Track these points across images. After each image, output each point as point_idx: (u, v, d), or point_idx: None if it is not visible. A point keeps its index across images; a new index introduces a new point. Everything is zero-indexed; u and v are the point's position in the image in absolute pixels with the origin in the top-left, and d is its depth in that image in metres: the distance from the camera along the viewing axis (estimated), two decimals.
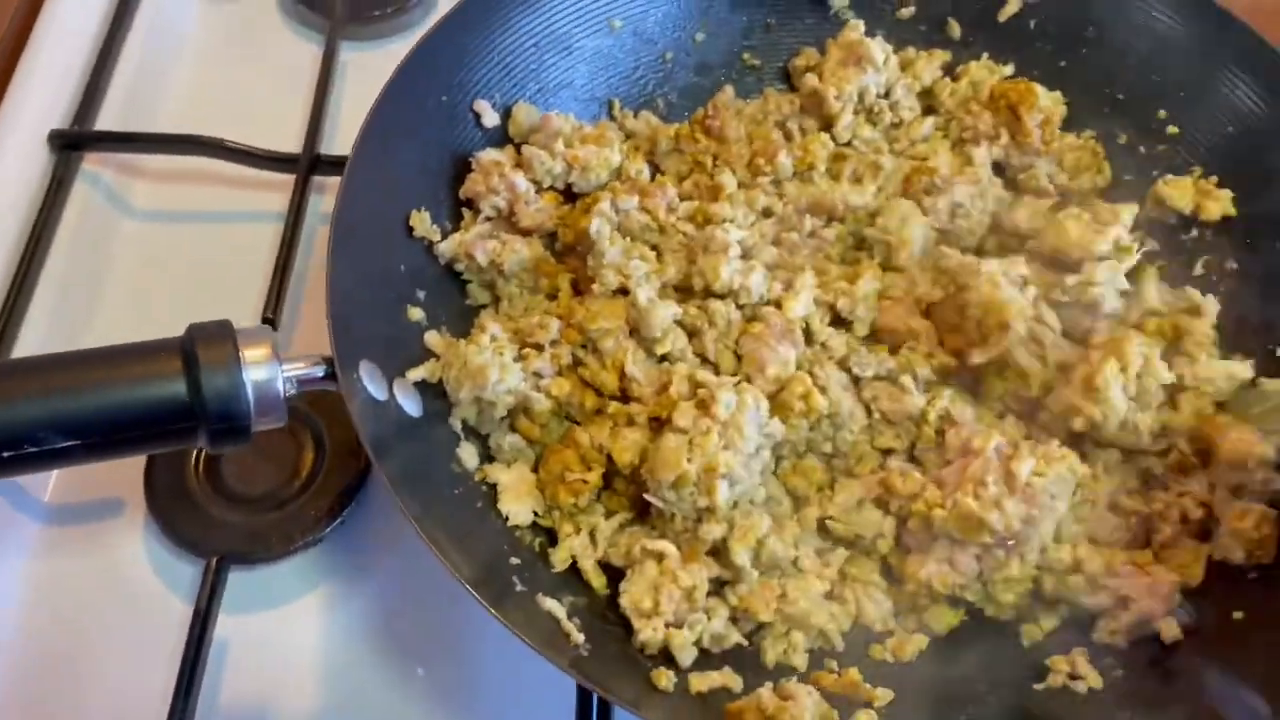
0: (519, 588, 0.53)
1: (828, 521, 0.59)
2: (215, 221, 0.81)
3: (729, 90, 0.73)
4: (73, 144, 0.79)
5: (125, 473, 0.66)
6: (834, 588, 0.57)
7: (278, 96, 0.87)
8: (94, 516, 0.67)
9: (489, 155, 0.66)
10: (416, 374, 0.56)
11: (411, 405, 0.57)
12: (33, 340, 0.72)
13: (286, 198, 0.79)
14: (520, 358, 0.59)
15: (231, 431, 0.48)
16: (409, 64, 0.62)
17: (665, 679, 0.52)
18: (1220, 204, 0.65)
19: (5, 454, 0.44)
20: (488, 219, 0.65)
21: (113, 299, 0.76)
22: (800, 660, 0.56)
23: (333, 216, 0.56)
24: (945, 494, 0.56)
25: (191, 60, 0.89)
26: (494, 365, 0.56)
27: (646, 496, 0.56)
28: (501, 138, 0.69)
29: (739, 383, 0.58)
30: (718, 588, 0.57)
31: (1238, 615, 0.55)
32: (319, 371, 0.51)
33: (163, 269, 0.78)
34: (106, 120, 0.82)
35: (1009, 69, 0.73)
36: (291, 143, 0.81)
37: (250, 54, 0.90)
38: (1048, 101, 0.70)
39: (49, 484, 0.68)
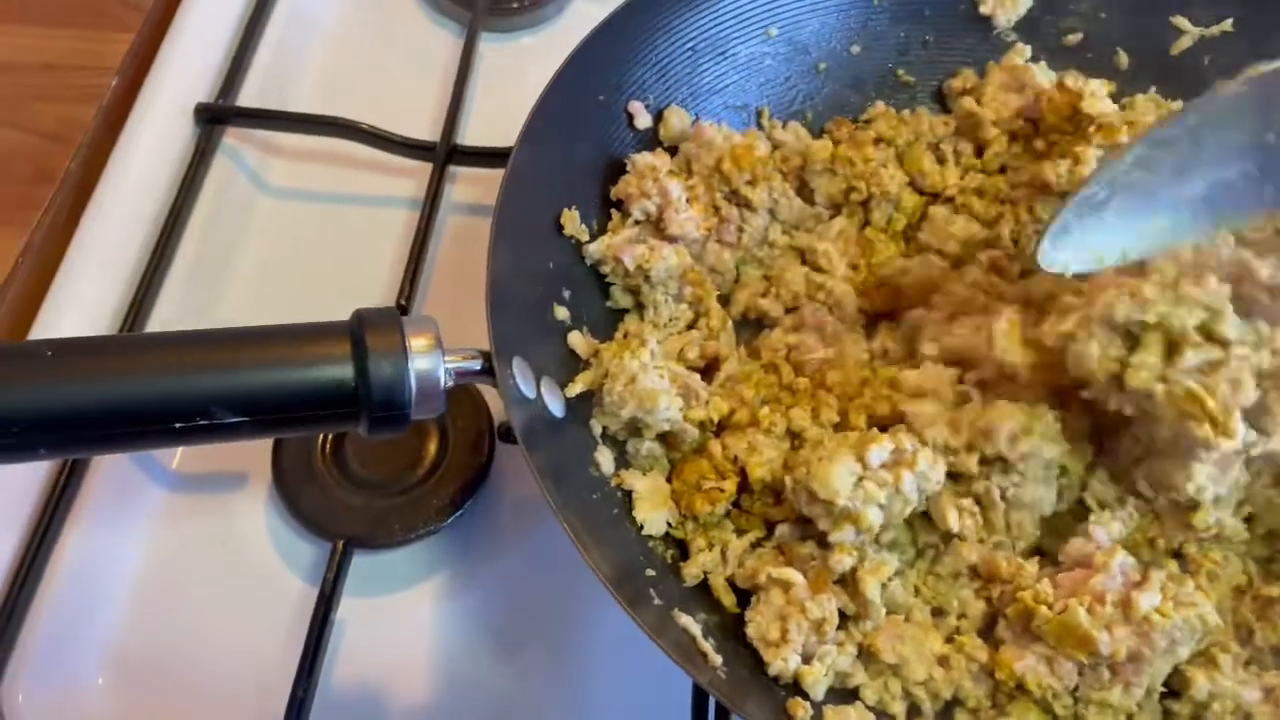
0: (656, 600, 0.52)
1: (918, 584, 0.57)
2: (348, 204, 0.81)
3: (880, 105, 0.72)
4: (217, 118, 0.80)
5: (252, 448, 0.67)
6: (948, 654, 0.55)
7: (413, 84, 0.87)
8: (219, 488, 0.68)
9: (645, 158, 0.65)
10: (576, 388, 0.56)
11: (556, 405, 0.56)
12: (168, 306, 0.73)
13: (417, 184, 0.79)
14: (672, 378, 0.57)
15: (392, 419, 0.47)
16: (572, 62, 0.62)
17: (802, 710, 0.50)
18: None
19: (176, 425, 0.44)
20: (637, 222, 0.64)
21: (245, 273, 0.77)
22: (899, 709, 0.53)
23: (495, 210, 0.55)
24: (1057, 595, 0.53)
25: (330, 44, 0.90)
26: (663, 392, 0.55)
27: (787, 501, 0.55)
28: (653, 140, 0.68)
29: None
30: (842, 622, 0.55)
31: None
32: (476, 365, 0.50)
33: (296, 247, 0.78)
34: (248, 97, 0.83)
35: (1177, 104, 0.70)
36: (426, 130, 0.81)
37: (387, 40, 0.91)
38: None
39: (176, 453, 0.69)
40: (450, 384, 0.49)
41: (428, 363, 0.48)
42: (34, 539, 0.62)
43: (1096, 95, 0.64)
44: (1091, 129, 0.62)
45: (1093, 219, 0.55)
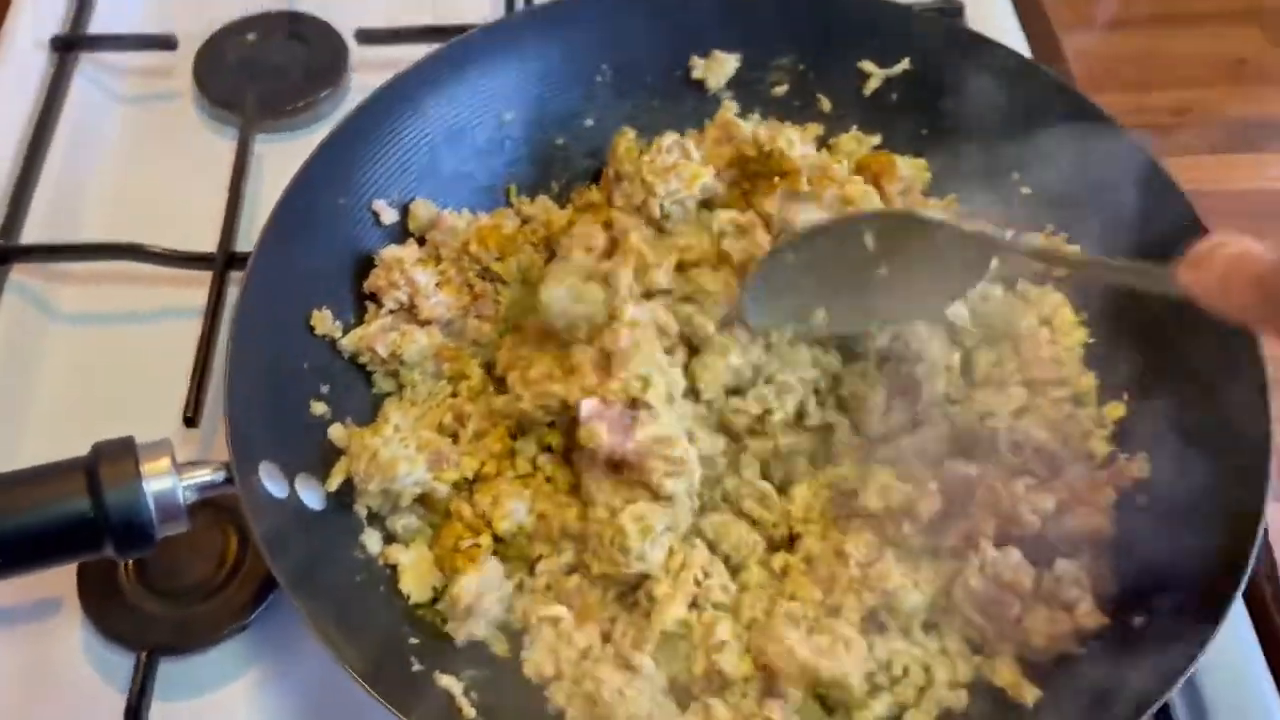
0: (416, 667, 0.56)
1: None
2: (141, 322, 0.84)
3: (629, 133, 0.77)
4: (1, 258, 0.83)
5: (60, 573, 0.69)
6: None
7: (198, 193, 0.90)
8: (33, 617, 0.70)
9: (392, 251, 0.70)
10: (335, 480, 0.60)
11: (313, 499, 0.60)
12: None
13: (203, 294, 0.82)
14: (420, 445, 0.62)
15: (136, 541, 0.51)
16: (306, 170, 0.67)
17: None
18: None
19: None
20: (390, 312, 0.69)
21: (44, 402, 0.79)
22: None
23: (231, 322, 0.60)
24: None
25: (114, 162, 0.93)
26: (402, 459, 0.60)
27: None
28: (401, 233, 0.73)
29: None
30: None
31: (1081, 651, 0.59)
32: (219, 477, 0.54)
33: (92, 370, 0.81)
34: (33, 230, 0.86)
35: (877, 139, 0.78)
36: (210, 239, 0.85)
37: (170, 152, 0.94)
38: (909, 170, 0.75)
39: None
40: (193, 499, 0.53)
41: (164, 484, 0.52)
42: None
43: (792, 143, 0.70)
44: (777, 178, 0.69)
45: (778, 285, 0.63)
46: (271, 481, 0.57)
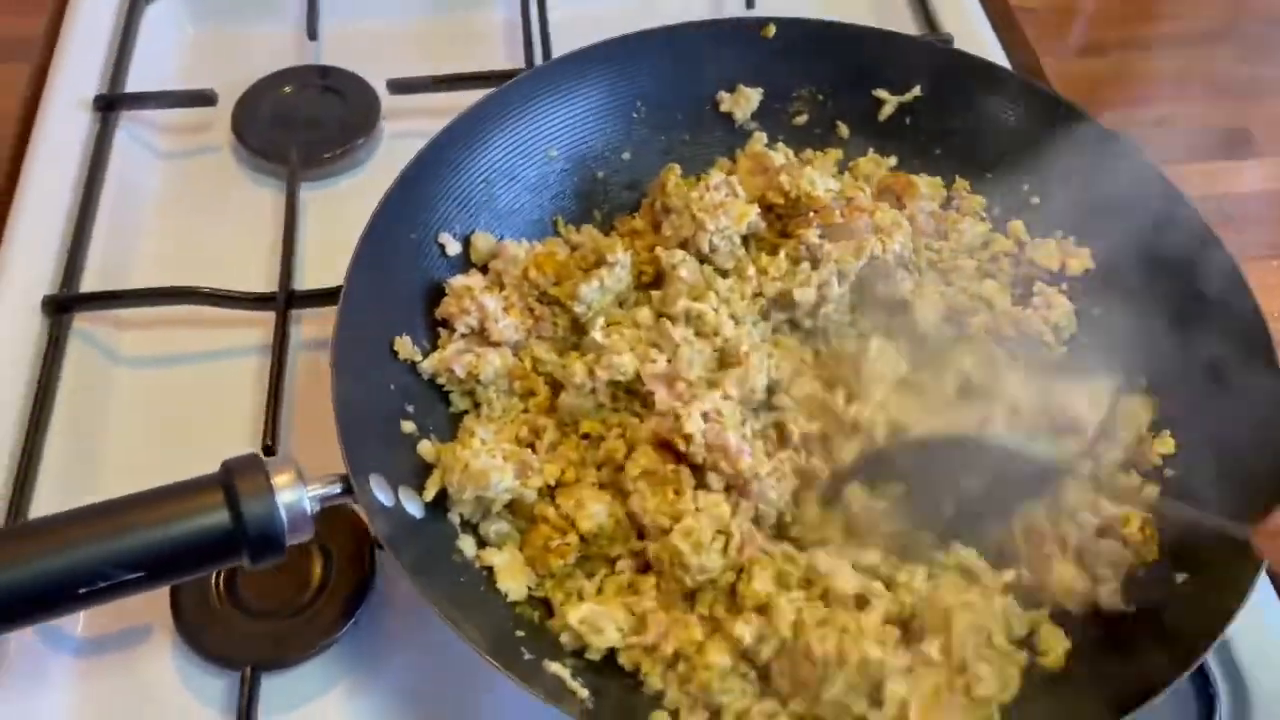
0: (527, 656, 0.61)
1: None
2: (199, 361, 0.88)
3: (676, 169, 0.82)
4: (64, 307, 0.86)
5: (150, 600, 0.72)
6: None
7: (241, 240, 0.94)
8: (125, 644, 0.73)
9: (460, 280, 0.75)
10: (430, 490, 0.65)
11: (414, 508, 0.65)
12: (50, 489, 0.78)
13: (263, 332, 0.86)
14: (506, 456, 0.67)
15: (270, 549, 0.55)
16: (380, 212, 0.72)
17: (662, 717, 0.60)
18: (1081, 260, 0.78)
19: (81, 590, 0.51)
20: (462, 336, 0.74)
21: (116, 445, 0.82)
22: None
23: (332, 351, 0.64)
24: None
25: (159, 214, 0.97)
26: (493, 469, 0.64)
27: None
28: (464, 263, 0.79)
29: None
30: None
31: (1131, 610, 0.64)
32: (337, 489, 0.59)
33: (160, 411, 0.84)
34: (91, 278, 0.90)
35: (893, 160, 0.85)
36: (262, 281, 0.89)
37: (212, 203, 0.98)
38: (926, 188, 0.82)
39: (79, 619, 0.74)
40: (316, 509, 0.57)
41: (293, 495, 0.56)
42: None
43: (814, 182, 0.77)
44: (810, 213, 0.75)
45: None
46: (381, 492, 0.62)
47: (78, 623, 0.74)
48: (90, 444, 0.82)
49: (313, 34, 1.07)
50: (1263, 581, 0.63)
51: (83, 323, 0.88)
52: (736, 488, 0.67)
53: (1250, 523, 0.57)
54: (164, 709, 0.70)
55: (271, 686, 0.70)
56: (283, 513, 0.55)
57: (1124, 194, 0.75)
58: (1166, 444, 0.70)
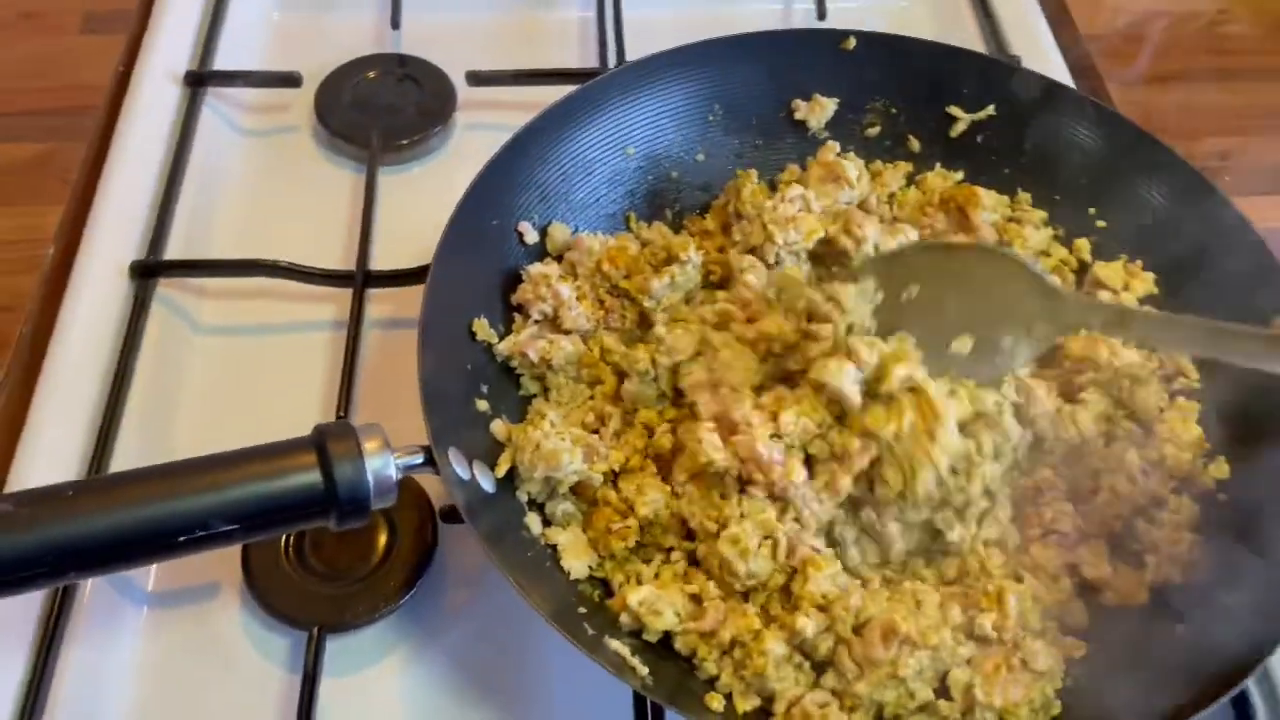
0: (589, 631, 0.63)
1: None
2: (276, 333, 0.91)
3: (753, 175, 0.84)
4: (150, 272, 0.90)
5: (221, 559, 0.76)
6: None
7: (317, 219, 0.97)
8: (194, 599, 0.76)
9: (538, 268, 0.78)
10: (503, 467, 0.67)
11: (487, 483, 0.67)
12: (128, 446, 0.81)
13: (337, 308, 0.90)
14: (575, 440, 0.70)
15: (356, 512, 0.58)
16: (468, 197, 0.75)
17: (717, 701, 0.62)
18: (1144, 283, 0.79)
19: (180, 539, 0.54)
20: (536, 322, 0.77)
21: (193, 408, 0.85)
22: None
23: (420, 327, 0.67)
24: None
25: (240, 192, 1.00)
26: (563, 450, 0.67)
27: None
28: (542, 251, 0.81)
29: None
30: None
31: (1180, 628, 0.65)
32: (420, 458, 0.61)
33: (235, 378, 0.87)
34: (174, 250, 0.93)
35: (959, 175, 0.87)
36: (337, 260, 0.92)
37: (292, 182, 1.01)
38: (990, 201, 0.83)
39: (150, 574, 0.77)
40: (400, 477, 0.60)
41: (380, 461, 0.59)
42: (34, 671, 0.68)
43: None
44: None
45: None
46: (459, 465, 0.64)
47: (149, 577, 0.77)
48: (168, 407, 0.85)
49: (395, 23, 1.10)
50: None
51: (166, 289, 0.91)
52: (775, 496, 0.68)
53: None
54: (230, 663, 0.73)
55: (335, 647, 0.72)
56: (370, 477, 0.58)
57: (1192, 223, 0.77)
58: (1222, 469, 0.71)
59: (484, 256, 0.77)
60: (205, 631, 0.75)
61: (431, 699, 0.72)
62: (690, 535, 0.69)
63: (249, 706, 0.71)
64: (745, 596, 0.67)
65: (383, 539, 0.77)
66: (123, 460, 0.81)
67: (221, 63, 1.07)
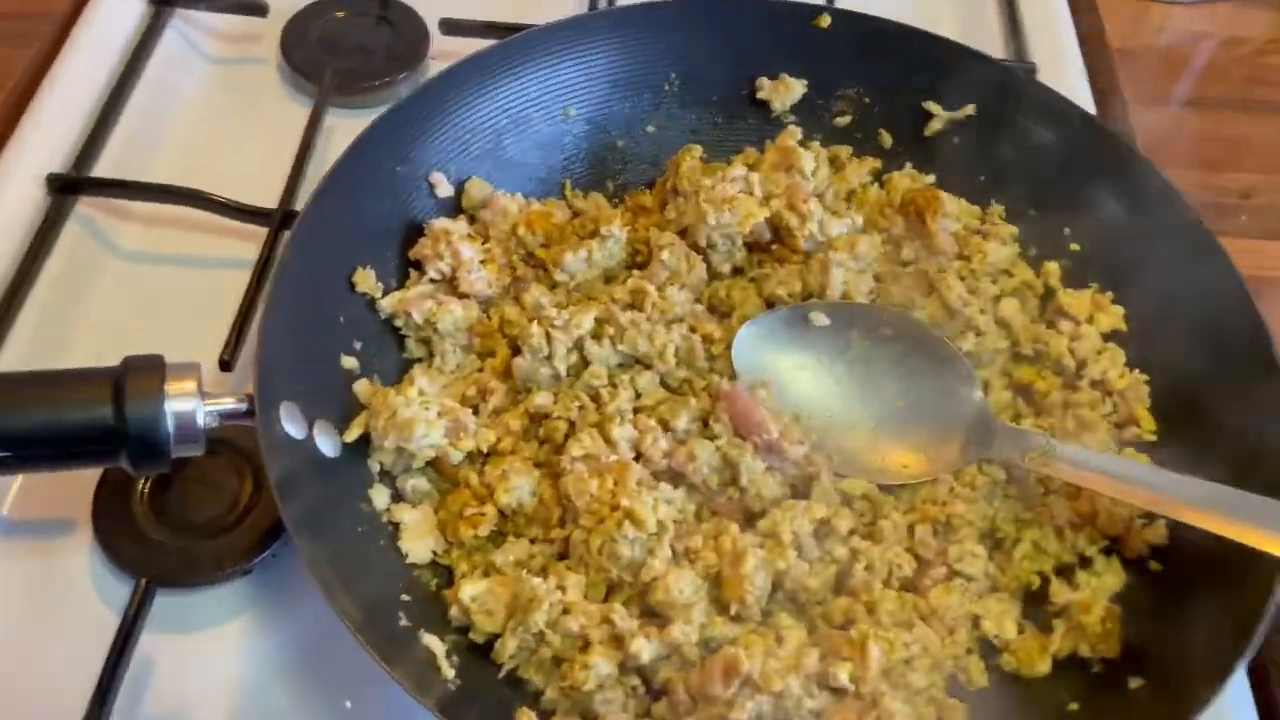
0: (403, 623, 0.57)
1: None
2: (192, 267, 0.86)
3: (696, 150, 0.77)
4: (69, 187, 0.86)
5: (78, 493, 0.71)
6: None
7: (266, 155, 0.92)
8: (46, 533, 0.71)
9: (441, 223, 0.71)
10: (354, 431, 0.61)
11: (328, 446, 0.61)
12: (10, 361, 0.77)
13: (252, 247, 0.85)
14: (442, 412, 0.63)
15: (151, 455, 0.52)
16: (369, 134, 0.69)
17: (526, 717, 0.55)
18: (1112, 318, 0.70)
19: None
20: (432, 281, 0.71)
21: (89, 330, 0.81)
22: None
23: (276, 264, 0.61)
24: None
25: (190, 117, 0.96)
26: (420, 420, 0.60)
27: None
28: (454, 208, 0.75)
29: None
30: None
31: (1073, 707, 0.57)
32: (241, 408, 0.55)
33: (141, 307, 0.83)
34: (105, 165, 0.89)
35: (930, 179, 0.78)
36: (268, 199, 0.87)
37: (246, 114, 0.97)
38: (955, 208, 0.75)
39: (7, 500, 0.73)
40: (213, 425, 0.54)
41: (186, 405, 0.53)
42: None
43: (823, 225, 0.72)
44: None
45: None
46: (291, 422, 0.58)
47: (5, 502, 0.72)
48: (60, 329, 0.81)
49: None
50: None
51: (87, 208, 0.87)
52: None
53: None
54: (68, 603, 0.69)
55: (170, 603, 0.67)
56: (169, 420, 0.52)
57: (1175, 264, 0.68)
58: (1159, 533, 0.62)
59: (378, 202, 0.71)
60: (51, 568, 0.70)
61: (272, 675, 0.66)
62: (563, 523, 0.63)
63: (72, 652, 0.66)
64: (607, 596, 0.60)
65: (246, 492, 0.71)
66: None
67: None
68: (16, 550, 0.71)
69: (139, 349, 0.78)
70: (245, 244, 0.86)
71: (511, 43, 0.76)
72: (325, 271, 0.67)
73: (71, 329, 0.81)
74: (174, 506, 0.71)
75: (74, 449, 0.52)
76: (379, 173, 0.70)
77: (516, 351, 0.69)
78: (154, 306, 0.83)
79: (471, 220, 0.75)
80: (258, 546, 0.69)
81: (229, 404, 0.55)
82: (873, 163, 0.79)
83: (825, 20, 0.79)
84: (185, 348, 0.77)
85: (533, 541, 0.63)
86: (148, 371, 0.53)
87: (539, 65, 0.76)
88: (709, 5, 0.79)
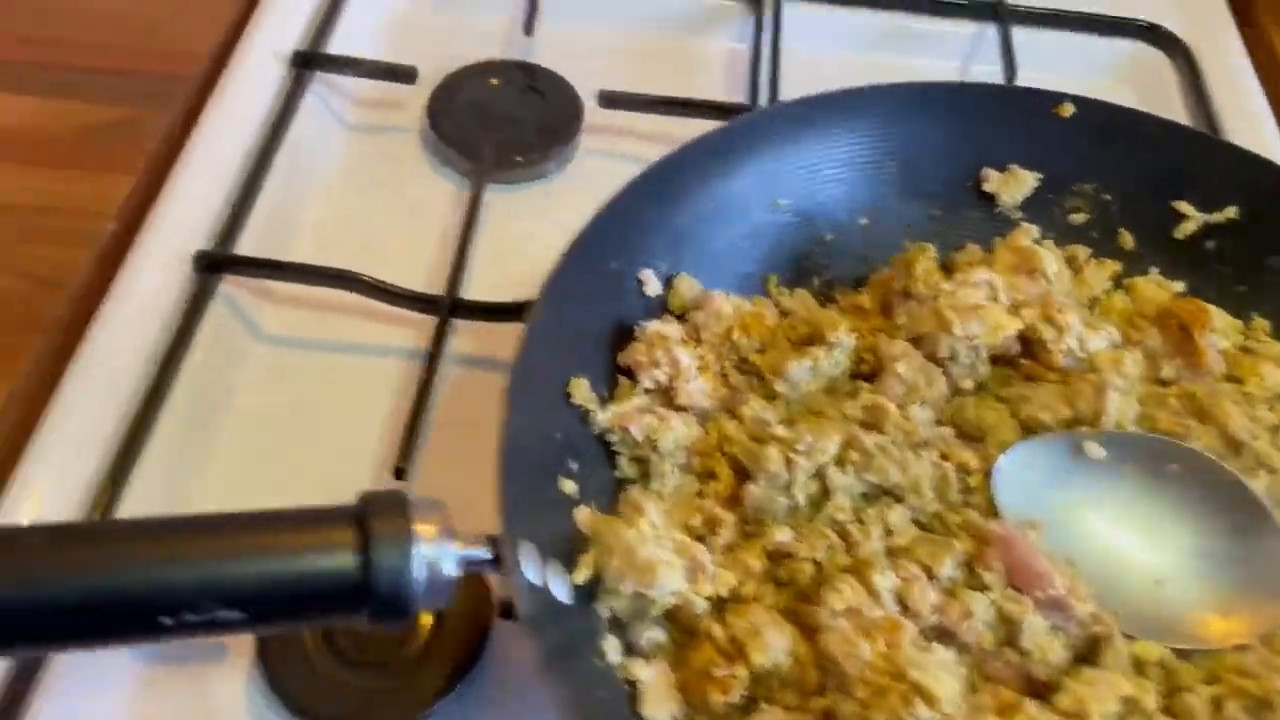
0: None
1: None
2: (342, 352, 0.79)
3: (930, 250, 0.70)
4: (216, 265, 0.79)
5: None
6: None
7: (412, 233, 0.87)
8: (196, 660, 0.64)
9: (655, 326, 0.64)
10: (582, 573, 0.53)
11: (561, 590, 0.53)
12: (159, 453, 0.70)
13: (416, 335, 0.78)
14: (677, 549, 0.55)
15: (394, 611, 0.45)
16: (592, 230, 0.61)
17: None
18: None
19: (165, 620, 0.41)
20: (646, 391, 0.63)
21: (237, 423, 0.75)
22: None
23: (511, 375, 0.53)
24: None
25: (331, 193, 0.90)
26: (663, 564, 0.52)
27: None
28: (661, 307, 0.67)
29: None
30: None
31: None
32: (485, 554, 0.47)
33: (290, 396, 0.76)
34: (246, 243, 0.82)
35: (1180, 286, 0.71)
36: (423, 282, 0.80)
37: (390, 187, 0.91)
38: (1221, 323, 0.67)
39: None
40: (456, 575, 0.46)
41: (436, 552, 0.45)
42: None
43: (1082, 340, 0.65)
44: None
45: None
46: (530, 567, 0.50)
47: None
48: (209, 419, 0.74)
49: (528, 29, 0.99)
50: None
51: (230, 287, 0.80)
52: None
53: None
54: None
55: None
56: (420, 572, 0.44)
57: None
58: None
59: (595, 304, 0.63)
60: (203, 704, 0.62)
61: None
62: (822, 690, 0.54)
63: None
64: None
65: (427, 627, 0.63)
66: (148, 470, 0.69)
67: (335, 47, 0.97)
68: (163, 680, 0.63)
69: (296, 443, 0.73)
70: (399, 330, 0.80)
71: (730, 128, 0.69)
72: (547, 381, 0.59)
73: (218, 419, 0.75)
74: (345, 640, 0.62)
75: (309, 606, 0.43)
76: (598, 270, 0.63)
77: (741, 474, 0.62)
78: (303, 395, 0.76)
79: (679, 319, 0.67)
80: (443, 687, 0.61)
81: (474, 549, 0.47)
82: (1113, 266, 0.72)
83: (1068, 109, 0.72)
84: (345, 445, 0.72)
85: (787, 708, 0.54)
86: (394, 511, 0.45)
87: (754, 152, 0.70)
88: (934, 89, 0.72)
